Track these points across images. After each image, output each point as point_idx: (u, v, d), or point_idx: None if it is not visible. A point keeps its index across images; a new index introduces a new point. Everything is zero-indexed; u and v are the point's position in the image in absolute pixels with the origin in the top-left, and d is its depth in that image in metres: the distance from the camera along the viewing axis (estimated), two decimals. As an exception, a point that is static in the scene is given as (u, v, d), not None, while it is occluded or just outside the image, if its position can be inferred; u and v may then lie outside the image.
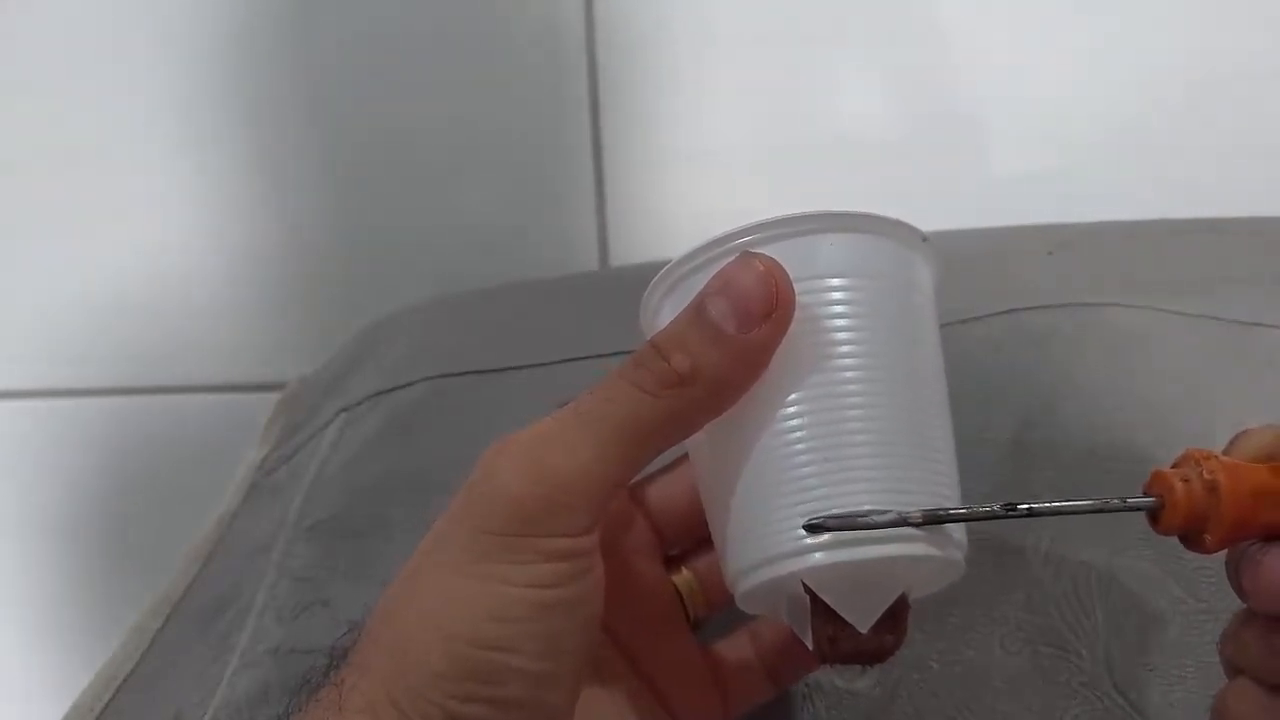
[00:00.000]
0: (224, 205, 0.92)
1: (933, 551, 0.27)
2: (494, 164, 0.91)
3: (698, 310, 0.27)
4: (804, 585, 0.27)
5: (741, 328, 0.27)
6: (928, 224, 0.60)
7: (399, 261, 0.92)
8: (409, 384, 0.49)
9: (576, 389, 0.47)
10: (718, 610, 0.34)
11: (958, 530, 0.28)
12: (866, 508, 0.26)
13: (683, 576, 0.34)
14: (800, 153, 0.89)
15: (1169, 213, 0.59)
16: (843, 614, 0.27)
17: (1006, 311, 0.47)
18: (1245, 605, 0.28)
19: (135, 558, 0.91)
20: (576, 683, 0.28)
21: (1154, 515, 0.28)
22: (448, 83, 0.91)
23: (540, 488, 0.26)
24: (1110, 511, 0.27)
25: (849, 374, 0.27)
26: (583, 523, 0.27)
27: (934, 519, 0.26)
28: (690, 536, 0.34)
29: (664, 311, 0.30)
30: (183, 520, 0.57)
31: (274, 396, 0.59)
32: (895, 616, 0.28)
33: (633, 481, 0.33)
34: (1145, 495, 0.28)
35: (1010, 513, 0.27)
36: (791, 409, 0.27)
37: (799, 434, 0.27)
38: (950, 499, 0.28)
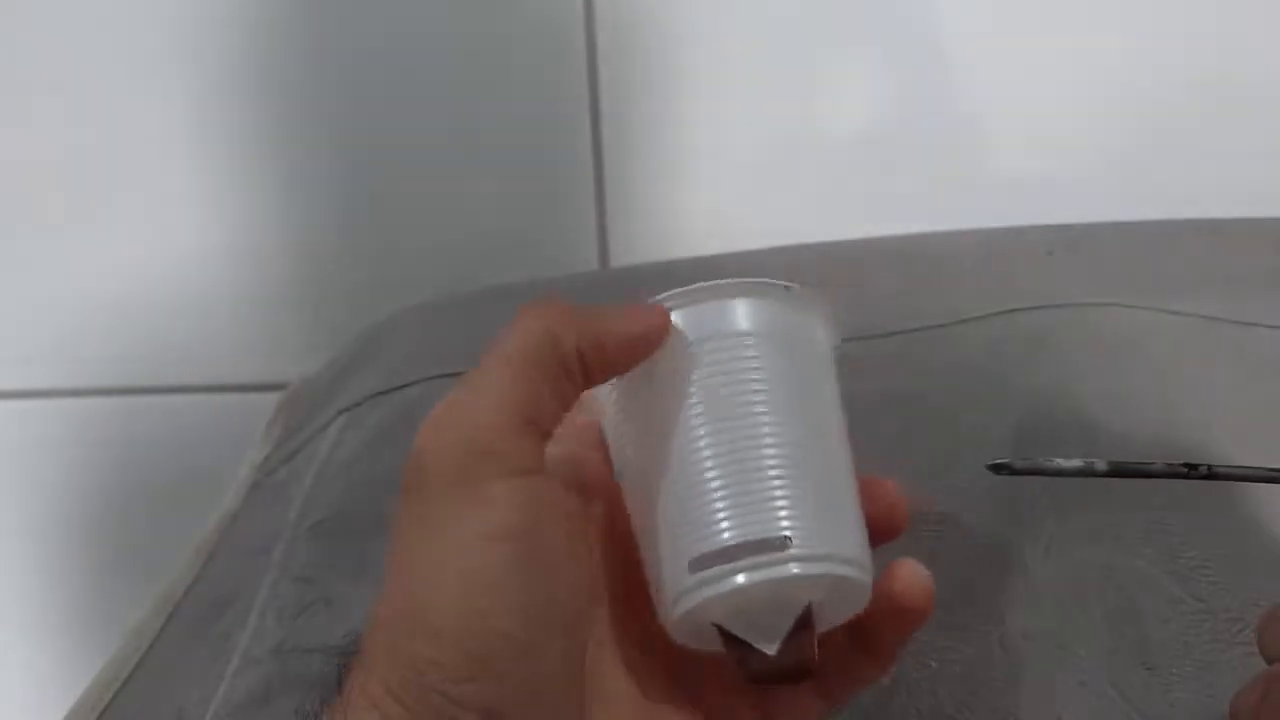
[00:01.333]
0: (224, 205, 0.92)
1: (813, 570, 0.28)
2: (494, 165, 0.91)
3: None
4: (716, 625, 0.29)
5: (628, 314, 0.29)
6: (928, 224, 0.60)
7: (400, 262, 0.92)
8: (409, 384, 0.50)
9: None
10: None
11: (852, 549, 0.29)
12: (1055, 460, 0.28)
13: None
14: (800, 153, 0.89)
15: (1169, 213, 0.59)
16: (746, 638, 0.28)
17: (1006, 312, 0.48)
18: None
19: (135, 558, 0.91)
20: (573, 660, 0.28)
21: None
22: (447, 83, 0.91)
23: (458, 434, 0.27)
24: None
25: (751, 418, 0.29)
26: (515, 460, 0.27)
27: (1120, 470, 0.28)
28: None
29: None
30: (183, 520, 0.57)
31: (275, 397, 0.60)
32: (803, 635, 0.29)
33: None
34: None
35: (1192, 473, 0.28)
36: (693, 451, 0.29)
37: (701, 472, 0.29)
38: (854, 523, 0.29)
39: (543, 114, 0.91)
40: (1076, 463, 0.27)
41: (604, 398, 0.32)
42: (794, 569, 0.28)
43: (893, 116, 0.90)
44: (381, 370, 0.52)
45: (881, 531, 0.30)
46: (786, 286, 0.31)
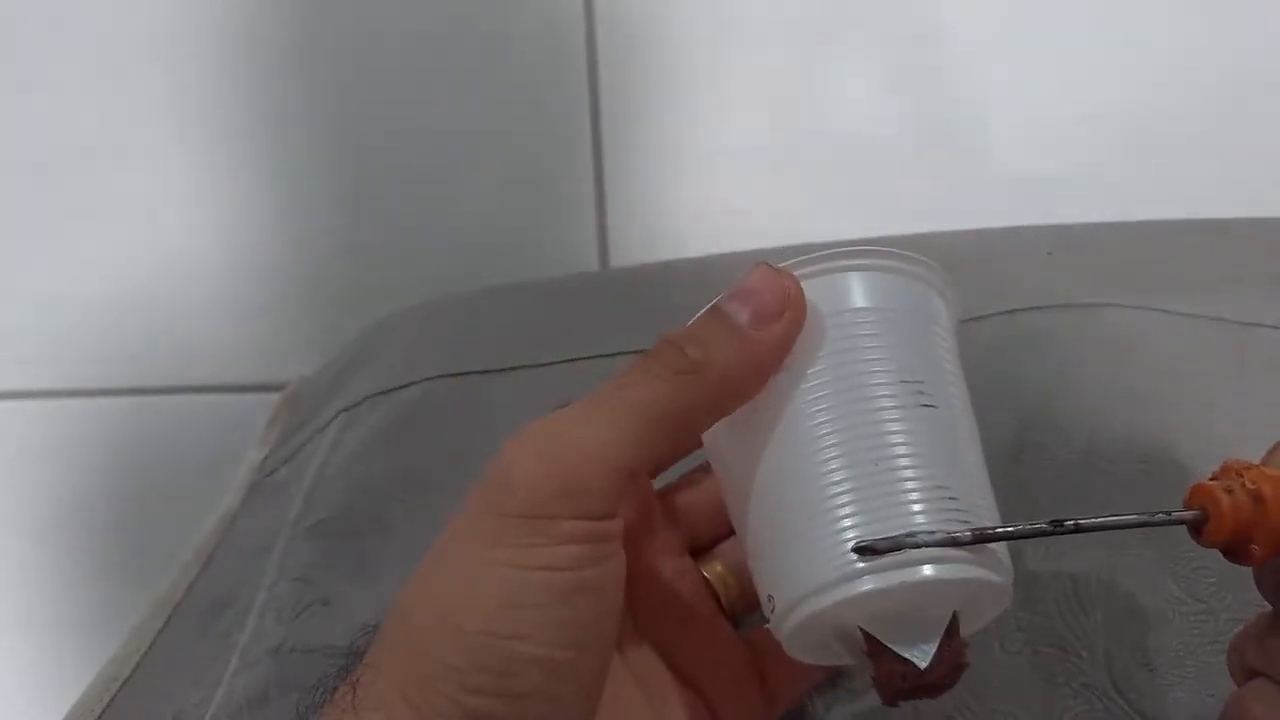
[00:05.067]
0: (224, 206, 0.92)
1: (982, 574, 0.26)
2: (494, 164, 0.91)
3: (712, 308, 0.28)
4: (860, 628, 0.27)
5: (754, 324, 0.27)
6: (928, 224, 0.60)
7: (399, 262, 0.92)
8: (409, 384, 0.50)
9: (576, 389, 0.47)
10: (754, 600, 0.33)
11: (1005, 555, 0.28)
12: (919, 525, 0.26)
13: (714, 569, 0.33)
14: (800, 153, 0.89)
15: (1169, 213, 0.59)
16: (898, 649, 0.26)
17: (1006, 312, 0.47)
18: (1273, 610, 0.28)
19: (135, 558, 0.91)
20: (597, 678, 0.27)
21: (1197, 528, 0.27)
22: (448, 83, 0.91)
23: (554, 468, 0.26)
24: (1154, 525, 0.27)
25: (882, 398, 0.27)
26: (599, 506, 0.26)
27: (982, 538, 0.26)
28: (719, 532, 0.34)
29: None
30: (183, 520, 0.57)
31: (275, 397, 0.59)
32: (953, 648, 0.27)
33: (657, 488, 0.33)
34: (1188, 509, 0.27)
35: (1058, 529, 0.26)
36: (826, 434, 0.27)
37: (835, 458, 0.27)
38: (991, 517, 0.28)
39: (543, 114, 0.91)
40: (939, 534, 0.25)
41: None
42: (987, 574, 0.26)
43: (893, 116, 0.90)
44: (381, 370, 0.52)
45: None
46: (909, 256, 0.29)
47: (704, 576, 0.33)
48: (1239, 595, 0.37)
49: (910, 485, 0.26)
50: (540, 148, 0.91)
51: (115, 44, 0.92)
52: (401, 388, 0.50)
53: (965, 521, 0.26)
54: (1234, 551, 0.28)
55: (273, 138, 0.92)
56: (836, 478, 0.26)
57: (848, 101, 0.90)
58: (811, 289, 0.28)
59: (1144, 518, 0.27)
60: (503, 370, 0.49)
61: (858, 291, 0.28)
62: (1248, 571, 0.38)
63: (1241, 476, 0.27)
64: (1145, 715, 0.35)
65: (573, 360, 0.49)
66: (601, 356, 0.48)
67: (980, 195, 0.88)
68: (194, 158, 0.92)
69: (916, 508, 0.26)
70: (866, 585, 0.26)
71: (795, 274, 0.28)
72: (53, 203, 0.93)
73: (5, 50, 0.92)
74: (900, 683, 0.26)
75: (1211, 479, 0.28)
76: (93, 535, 0.94)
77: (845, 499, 0.26)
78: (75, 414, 0.94)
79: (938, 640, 0.26)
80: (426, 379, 0.49)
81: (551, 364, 0.49)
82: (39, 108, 0.93)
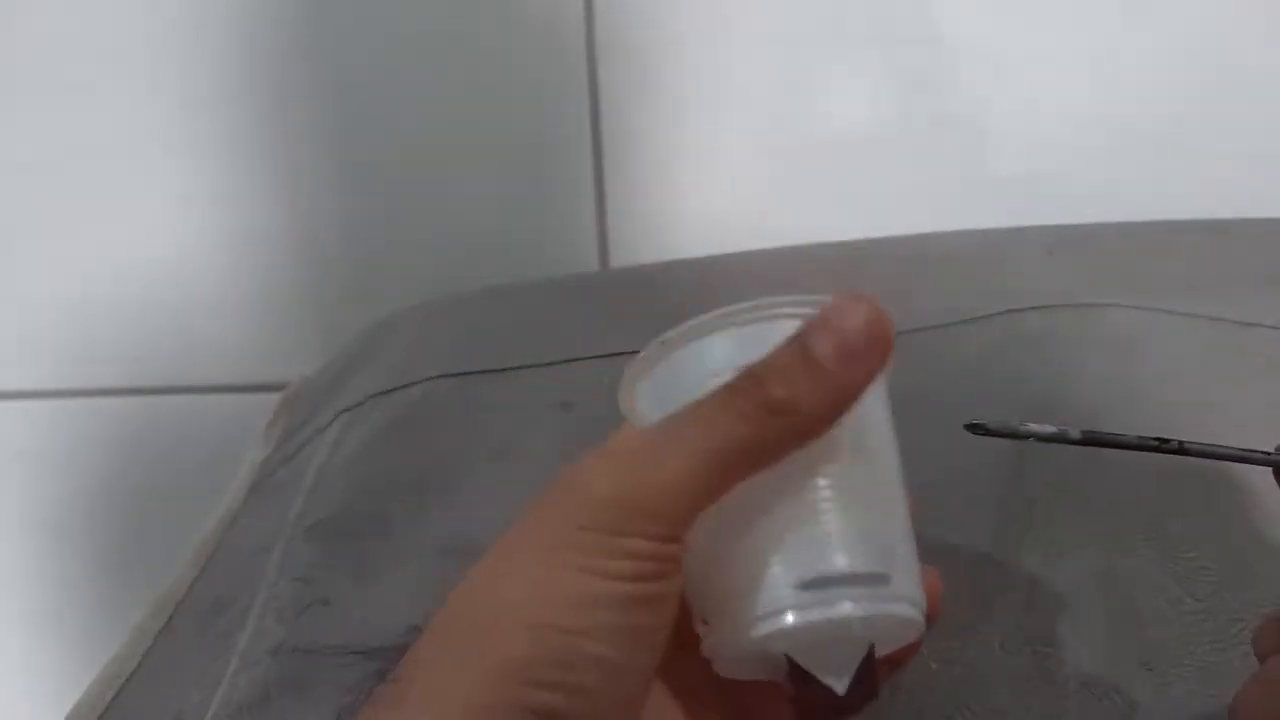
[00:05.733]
0: (225, 206, 0.92)
1: (899, 610, 0.28)
2: (494, 164, 0.91)
3: (801, 344, 0.28)
4: (788, 656, 0.29)
5: (840, 363, 0.27)
6: (928, 224, 0.60)
7: (400, 262, 0.92)
8: (409, 384, 0.50)
9: (577, 389, 0.48)
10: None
11: (919, 591, 0.29)
12: (1028, 424, 0.29)
13: None
14: (800, 153, 0.89)
15: (1169, 213, 0.59)
16: (820, 676, 0.28)
17: (1006, 312, 0.48)
18: None
19: (136, 557, 0.91)
20: (643, 687, 0.28)
21: None
22: (448, 83, 0.91)
23: (632, 492, 0.27)
24: (1252, 463, 0.29)
25: (840, 449, 0.29)
26: (664, 530, 0.27)
27: (1093, 439, 0.28)
28: None
29: (641, 387, 0.31)
30: (183, 520, 0.57)
31: (275, 397, 0.60)
32: (868, 676, 0.29)
33: None
34: None
35: (1163, 446, 0.29)
36: (770, 484, 0.28)
37: (809, 503, 0.28)
38: (911, 566, 0.29)
39: (543, 114, 0.91)
40: (1050, 428, 0.27)
41: None
42: (902, 608, 0.28)
43: (893, 116, 0.90)
44: (382, 370, 0.52)
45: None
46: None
47: None
48: (1238, 595, 0.37)
49: (834, 540, 0.28)
50: (540, 148, 0.91)
51: (116, 44, 0.92)
52: (402, 388, 0.50)
53: (883, 564, 0.28)
54: None
55: (273, 138, 0.92)
56: (777, 526, 0.28)
57: (847, 102, 0.90)
58: (752, 335, 0.29)
59: (1244, 453, 0.29)
60: (503, 370, 0.49)
61: None
62: (1248, 571, 0.38)
63: None
64: (1145, 715, 0.35)
65: (573, 360, 0.49)
66: (601, 356, 0.48)
67: (980, 195, 0.88)
68: (194, 158, 0.92)
69: (840, 559, 0.28)
70: (790, 620, 0.28)
71: (747, 328, 0.29)
72: (53, 203, 0.94)
73: (5, 50, 0.92)
74: (819, 706, 0.29)
75: None
76: (93, 535, 0.94)
77: (781, 546, 0.28)
78: (75, 414, 0.94)
79: (855, 669, 0.28)
80: (427, 379, 0.49)
81: (551, 364, 0.49)
82: (39, 108, 0.93)
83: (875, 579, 0.28)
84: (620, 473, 0.27)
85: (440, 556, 0.42)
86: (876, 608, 0.28)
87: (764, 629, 0.28)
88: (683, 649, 0.31)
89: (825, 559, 0.28)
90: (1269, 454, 0.29)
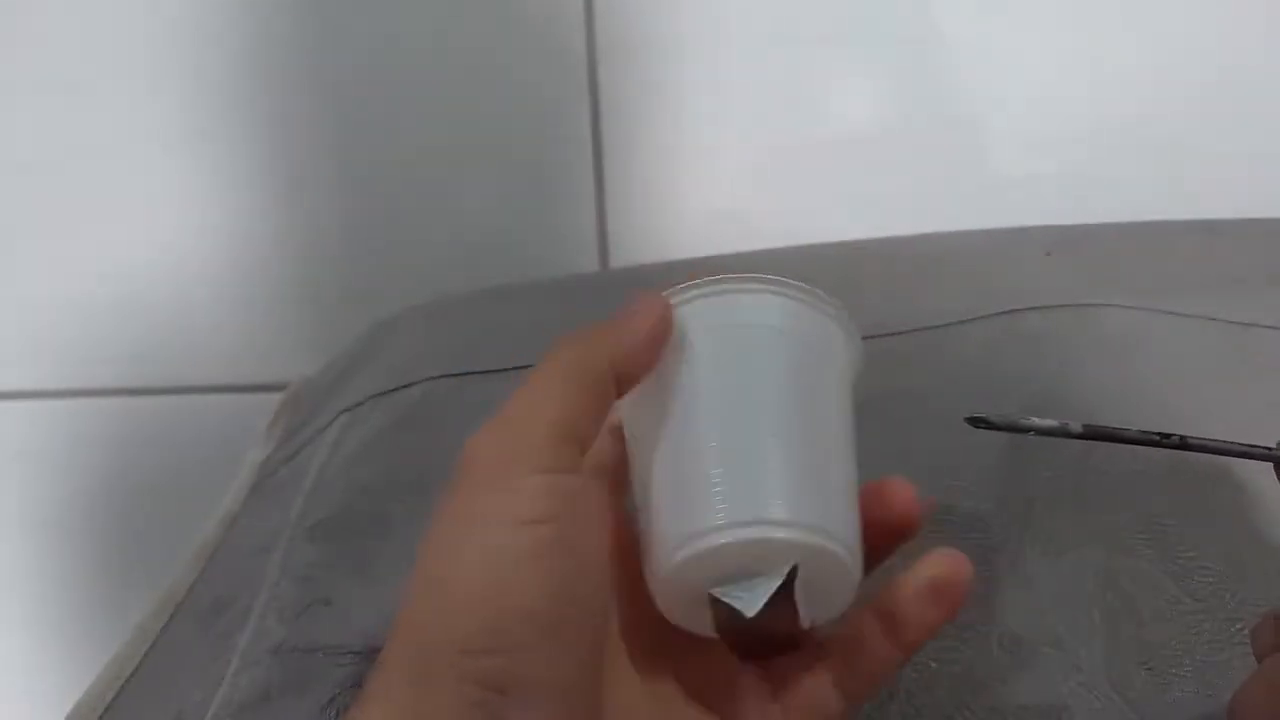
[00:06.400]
0: (226, 206, 0.92)
1: (794, 536, 0.29)
2: (494, 165, 0.91)
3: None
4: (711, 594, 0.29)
5: (628, 307, 0.31)
6: (928, 224, 0.60)
7: (400, 262, 0.92)
8: (410, 384, 0.50)
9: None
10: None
11: (838, 528, 0.30)
12: (1030, 418, 0.29)
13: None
14: (800, 153, 0.90)
15: (1169, 213, 0.59)
16: (727, 599, 0.29)
17: (1005, 312, 0.48)
18: None
19: (136, 558, 0.91)
20: (590, 642, 0.28)
21: None
22: (448, 83, 0.91)
23: (503, 438, 0.29)
24: (1253, 458, 0.29)
25: (757, 396, 0.31)
26: (549, 459, 0.28)
27: (1094, 433, 0.29)
28: None
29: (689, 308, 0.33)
30: (183, 520, 0.57)
31: (276, 397, 0.60)
32: (786, 601, 0.29)
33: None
34: None
35: (1164, 441, 0.29)
36: (700, 420, 0.31)
37: (706, 439, 0.30)
38: (844, 508, 0.30)
39: (543, 114, 0.91)
40: (1051, 422, 0.28)
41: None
42: (777, 532, 0.29)
43: (892, 116, 0.90)
44: (382, 370, 0.52)
45: (898, 528, 0.31)
46: (799, 286, 0.33)
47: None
48: (1237, 595, 0.37)
49: (772, 473, 0.30)
50: (540, 148, 0.91)
51: (116, 44, 0.92)
52: (403, 388, 0.50)
53: (824, 507, 0.30)
54: None
55: (275, 139, 0.92)
56: (709, 460, 0.30)
57: (847, 102, 0.90)
58: (711, 303, 0.32)
59: (1246, 448, 0.29)
60: (503, 370, 0.49)
61: (756, 308, 0.32)
62: (1246, 571, 0.38)
63: None
64: (1144, 715, 0.35)
65: (573, 360, 0.49)
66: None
67: (980, 195, 0.88)
68: (194, 158, 0.92)
69: (778, 497, 0.29)
70: (720, 539, 0.29)
71: (704, 289, 0.32)
72: (53, 203, 0.94)
73: (6, 50, 0.92)
74: (734, 628, 0.29)
75: None
76: (93, 535, 0.94)
77: (714, 478, 0.30)
78: (75, 414, 0.94)
79: (769, 591, 0.29)
80: (427, 379, 0.49)
81: (552, 364, 0.49)
82: (39, 108, 0.93)
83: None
84: (489, 431, 0.29)
85: (440, 556, 0.42)
86: (799, 535, 0.29)
87: (679, 556, 0.29)
88: (656, 653, 0.31)
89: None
90: (1270, 449, 0.29)
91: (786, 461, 0.30)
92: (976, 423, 0.29)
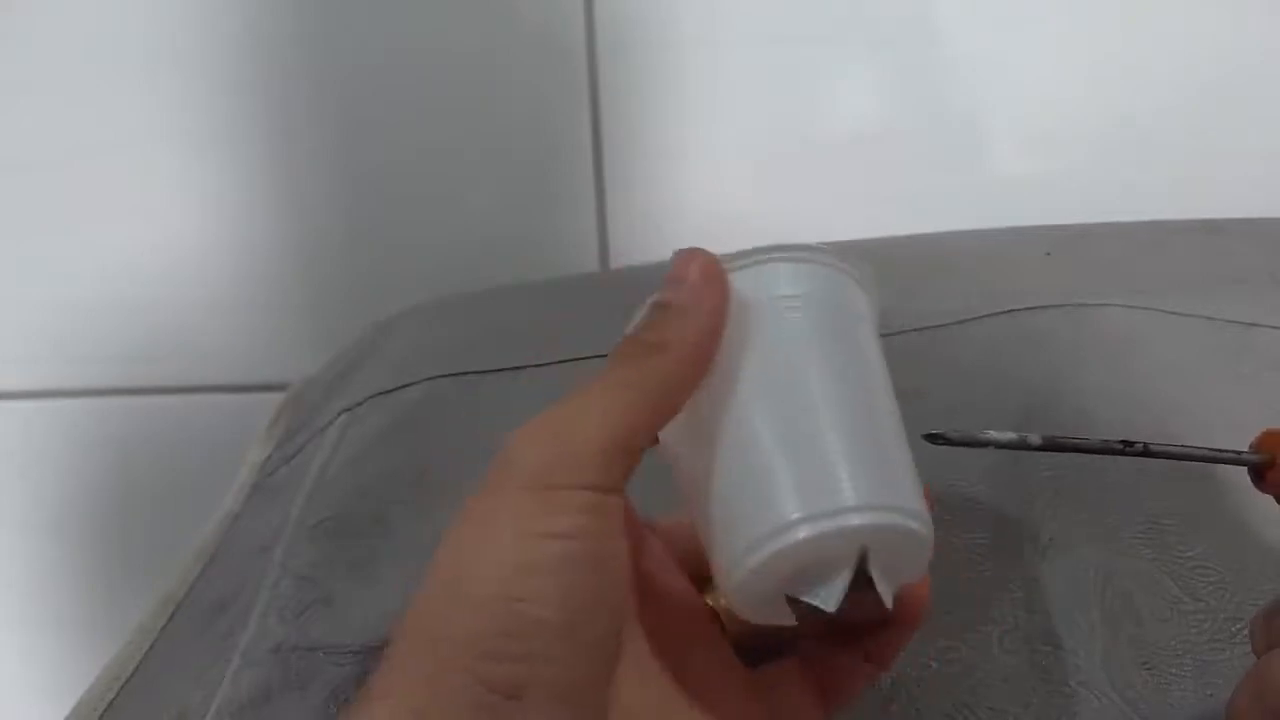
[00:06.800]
0: (226, 205, 0.92)
1: (872, 520, 0.28)
2: (495, 165, 0.91)
3: (649, 301, 0.31)
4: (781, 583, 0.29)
5: (691, 298, 0.30)
6: (928, 224, 0.60)
7: (401, 262, 0.92)
8: (411, 384, 0.50)
9: (577, 389, 0.48)
10: (758, 629, 0.34)
11: (916, 501, 0.29)
12: (988, 431, 0.29)
13: (717, 598, 0.34)
14: (800, 153, 0.89)
15: (1168, 213, 0.59)
16: (807, 598, 0.28)
17: (1004, 312, 0.48)
18: None
19: (136, 557, 0.91)
20: (604, 653, 0.28)
21: (1260, 472, 0.29)
22: (448, 83, 0.91)
23: (554, 445, 0.28)
24: (1221, 462, 0.29)
25: (811, 378, 0.30)
26: (597, 477, 0.28)
27: (1054, 445, 0.28)
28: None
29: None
30: (184, 520, 0.57)
31: (276, 397, 0.60)
32: (866, 588, 0.29)
33: (646, 520, 0.34)
34: (1255, 452, 0.28)
35: (1127, 449, 0.28)
36: (754, 412, 0.29)
37: (763, 433, 0.29)
38: (912, 480, 0.30)
39: (543, 114, 0.91)
40: (1010, 435, 0.27)
41: None
42: (852, 519, 0.28)
43: (892, 116, 0.90)
44: (383, 370, 0.52)
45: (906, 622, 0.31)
46: (826, 252, 0.32)
47: (706, 604, 0.34)
48: (1237, 594, 0.37)
49: (837, 458, 0.29)
50: (540, 148, 0.91)
51: (116, 44, 0.92)
52: (403, 388, 0.50)
53: (890, 483, 0.29)
54: None
55: (275, 139, 0.92)
56: (770, 454, 0.29)
57: (847, 102, 0.90)
58: (743, 279, 0.31)
59: (1212, 452, 0.29)
60: (503, 371, 0.49)
61: (784, 279, 0.31)
62: (1246, 571, 0.38)
63: None
64: (1144, 714, 0.35)
65: (573, 360, 0.49)
66: (601, 356, 0.48)
67: (980, 195, 0.88)
68: (195, 158, 0.92)
69: (847, 483, 0.28)
70: (798, 535, 0.28)
71: (730, 264, 0.31)
72: (53, 203, 0.94)
73: (6, 50, 0.92)
74: (817, 621, 0.28)
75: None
76: (94, 535, 0.94)
77: (779, 472, 0.29)
78: (75, 414, 0.94)
79: (845, 583, 0.28)
80: (428, 379, 0.50)
81: (551, 364, 0.49)
82: (39, 108, 0.93)
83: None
84: (542, 433, 0.28)
85: (441, 556, 0.42)
86: (871, 518, 0.28)
87: (754, 559, 0.28)
88: (655, 655, 0.31)
89: (813, 483, 0.28)
90: (1239, 453, 0.28)
91: (850, 443, 0.29)
92: (934, 439, 0.29)
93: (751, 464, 0.29)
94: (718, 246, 0.61)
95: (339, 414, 0.50)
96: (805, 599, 0.28)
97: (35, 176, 0.93)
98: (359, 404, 0.50)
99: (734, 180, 0.90)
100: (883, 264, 0.57)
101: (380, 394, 0.50)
